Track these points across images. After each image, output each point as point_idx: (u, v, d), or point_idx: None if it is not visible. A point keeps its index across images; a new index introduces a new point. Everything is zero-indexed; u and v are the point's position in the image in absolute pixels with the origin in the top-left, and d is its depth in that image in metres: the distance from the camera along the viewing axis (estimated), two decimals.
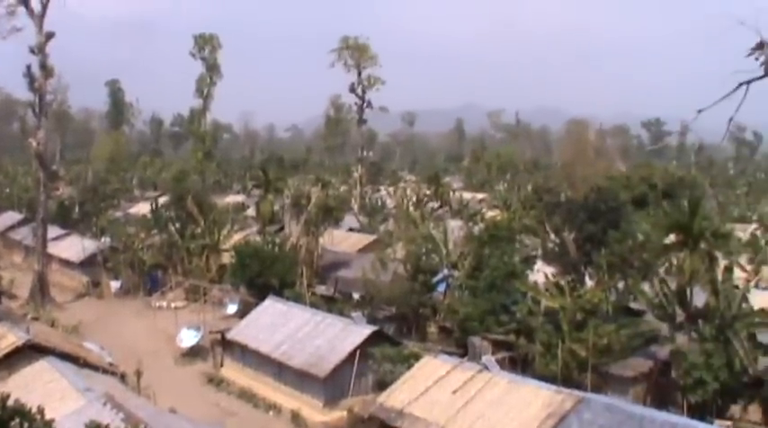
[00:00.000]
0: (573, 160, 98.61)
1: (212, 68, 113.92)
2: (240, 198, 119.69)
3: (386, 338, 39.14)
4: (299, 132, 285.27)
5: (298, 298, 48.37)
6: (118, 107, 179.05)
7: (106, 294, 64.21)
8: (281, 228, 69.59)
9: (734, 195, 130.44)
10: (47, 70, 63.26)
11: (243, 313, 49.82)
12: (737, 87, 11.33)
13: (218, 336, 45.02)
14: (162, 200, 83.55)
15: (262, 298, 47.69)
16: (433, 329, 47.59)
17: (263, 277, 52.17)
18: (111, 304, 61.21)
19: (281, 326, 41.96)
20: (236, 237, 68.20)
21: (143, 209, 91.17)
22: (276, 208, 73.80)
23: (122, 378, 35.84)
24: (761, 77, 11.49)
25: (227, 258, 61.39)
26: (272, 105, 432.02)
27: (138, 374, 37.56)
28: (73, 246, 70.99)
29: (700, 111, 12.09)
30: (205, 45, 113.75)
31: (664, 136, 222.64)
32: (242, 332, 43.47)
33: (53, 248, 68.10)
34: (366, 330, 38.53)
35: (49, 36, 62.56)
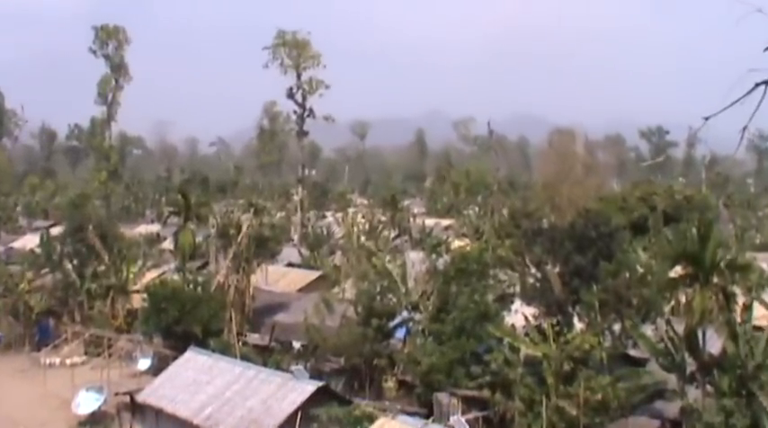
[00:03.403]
0: (557, 178, 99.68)
1: (118, 68, 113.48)
2: (155, 227, 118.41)
3: (333, 396, 38.83)
4: (226, 147, 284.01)
5: (225, 350, 47.82)
6: None
7: None
8: (205, 264, 68.87)
9: (755, 217, 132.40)
10: None
11: (157, 369, 49.15)
12: (754, 88, 11.42)
13: (127, 399, 44.30)
14: (55, 231, 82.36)
15: (181, 350, 47.09)
16: (390, 384, 47.32)
17: (183, 324, 51.61)
18: None
19: (204, 384, 41.45)
20: (150, 276, 67.45)
21: (30, 242, 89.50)
22: (199, 239, 73.15)
23: None
24: None
25: (137, 301, 60.69)
26: (194, 114, 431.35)
27: None
28: None
29: (707, 119, 12.12)
30: (109, 39, 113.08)
31: (667, 147, 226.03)
32: (156, 392, 42.85)
33: None
34: (309, 387, 38.22)
35: None
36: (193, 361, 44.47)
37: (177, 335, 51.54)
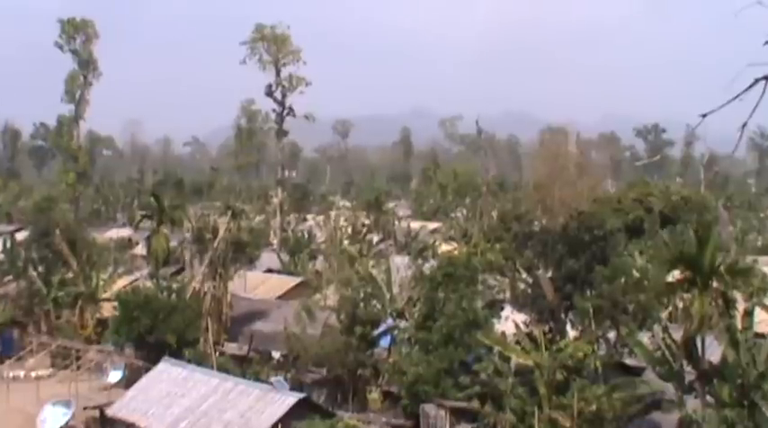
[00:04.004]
0: (549, 178, 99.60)
1: (86, 64, 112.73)
2: (126, 232, 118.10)
3: (315, 408, 38.86)
4: (201, 147, 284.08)
5: (201, 360, 47.76)
6: None
7: None
8: (180, 270, 68.76)
9: (756, 219, 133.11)
10: None
11: (129, 381, 48.96)
12: (753, 84, 11.44)
13: (96, 413, 44.16)
14: (20, 235, 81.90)
15: (154, 361, 46.99)
16: (375, 395, 47.42)
17: (156, 334, 51.44)
18: None
19: (179, 397, 41.35)
20: (121, 283, 67.34)
21: None
22: (173, 244, 73.04)
23: None
24: None
25: (108, 310, 60.43)
26: (167, 113, 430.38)
27: None
28: None
29: (704, 116, 12.16)
30: (76, 33, 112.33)
31: (663, 146, 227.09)
32: (128, 406, 42.72)
33: None
34: (289, 399, 38.19)
35: None
36: (167, 372, 44.34)
37: (150, 346, 51.37)
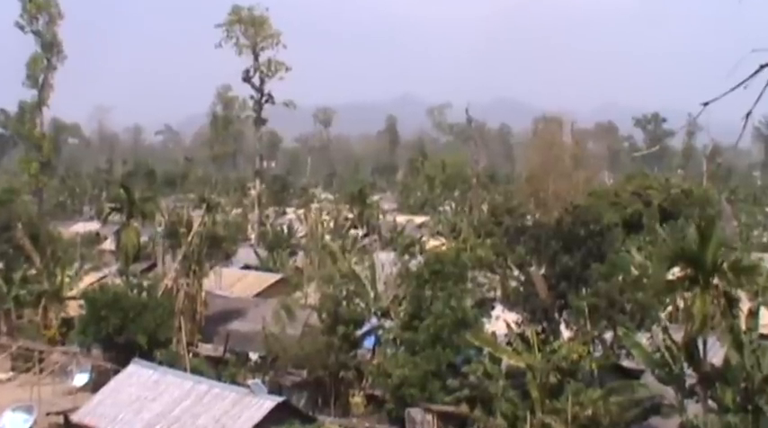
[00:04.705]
0: (542, 170, 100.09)
1: (50, 47, 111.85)
2: (94, 226, 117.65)
3: (295, 413, 38.84)
4: (174, 136, 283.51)
5: (174, 362, 47.72)
6: None
7: None
8: (151, 267, 68.65)
9: (761, 213, 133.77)
10: None
11: (97, 384, 48.72)
12: (759, 70, 11.47)
13: (60, 419, 43.98)
14: None
15: (123, 363, 46.79)
16: (358, 399, 47.46)
17: (126, 334, 51.29)
18: None
19: (150, 402, 41.24)
20: (88, 280, 67.06)
21: None
22: (144, 239, 72.92)
23: None
24: None
25: (74, 309, 60.26)
26: (138, 99, 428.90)
27: None
28: None
29: (706, 104, 12.18)
30: (38, 13, 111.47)
31: (664, 136, 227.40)
32: (94, 411, 42.56)
33: None
34: (268, 403, 38.16)
35: None
36: (137, 375, 44.20)
37: (119, 347, 51.23)
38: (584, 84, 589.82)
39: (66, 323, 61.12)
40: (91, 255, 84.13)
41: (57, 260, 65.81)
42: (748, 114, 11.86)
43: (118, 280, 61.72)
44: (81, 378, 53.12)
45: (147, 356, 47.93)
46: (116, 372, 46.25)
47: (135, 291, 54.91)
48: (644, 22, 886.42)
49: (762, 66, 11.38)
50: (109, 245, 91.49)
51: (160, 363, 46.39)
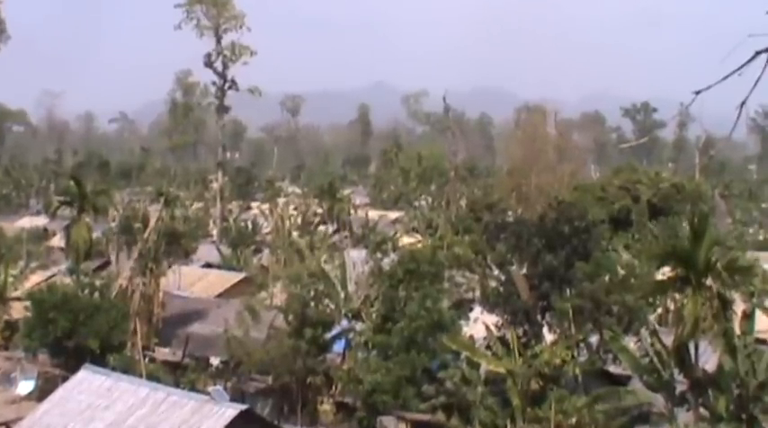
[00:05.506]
0: (525, 163, 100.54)
1: None
2: (41, 220, 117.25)
3: (259, 421, 38.85)
4: (129, 124, 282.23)
5: (128, 368, 47.49)
6: None
7: None
8: (105, 265, 68.30)
9: (758, 210, 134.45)
10: None
11: (43, 392, 48.61)
12: (754, 57, 11.49)
13: None
14: None
15: (73, 369, 46.43)
16: (327, 406, 47.58)
17: (76, 338, 51.05)
18: None
19: (102, 411, 41.05)
20: (35, 280, 66.75)
21: None
22: (97, 235, 72.63)
23: None
24: None
25: (18, 311, 59.67)
26: (90, 84, 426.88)
27: None
28: None
29: (698, 93, 12.19)
30: None
31: (654, 127, 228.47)
32: (40, 422, 42.29)
33: None
34: (230, 411, 38.05)
35: None
36: (88, 382, 43.96)
37: (68, 352, 51.06)
38: (570, 73, 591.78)
39: (10, 326, 60.79)
40: (38, 252, 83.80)
41: (0, 257, 65.36)
42: (743, 103, 11.85)
43: (67, 280, 61.32)
44: (25, 386, 53.06)
45: (99, 361, 47.66)
46: (65, 379, 45.92)
47: (86, 292, 54.65)
48: (633, 6, 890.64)
49: (757, 53, 11.38)
50: (58, 241, 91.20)
51: (113, 369, 46.11)
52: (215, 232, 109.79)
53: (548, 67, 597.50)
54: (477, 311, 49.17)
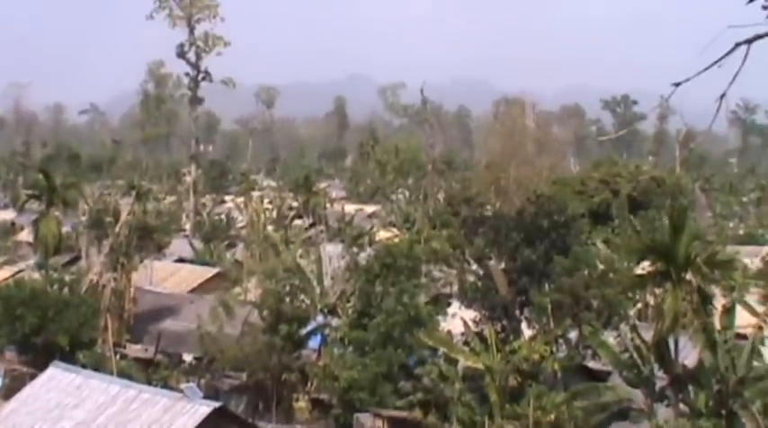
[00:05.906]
0: (503, 156, 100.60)
1: None
2: (9, 214, 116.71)
3: (233, 419, 38.79)
4: (100, 116, 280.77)
5: (99, 365, 47.36)
6: None
7: None
8: (75, 260, 68.05)
9: (738, 204, 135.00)
10: None
11: (10, 390, 48.16)
12: (734, 48, 11.53)
13: None
14: None
15: (41, 366, 46.31)
16: (302, 403, 47.61)
17: (45, 334, 50.89)
18: None
19: (71, 409, 40.88)
20: (2, 275, 66.74)
21: None
22: (66, 229, 72.29)
23: None
24: None
25: None
26: (59, 75, 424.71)
27: None
28: None
29: (678, 85, 12.21)
30: None
31: (634, 120, 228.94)
32: (7, 421, 42.03)
33: None
34: (203, 408, 37.94)
35: None
36: (57, 379, 43.77)
37: (36, 349, 50.92)
38: (549, 64, 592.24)
39: None
40: (5, 247, 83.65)
41: None
42: (723, 96, 11.86)
43: (36, 275, 61.21)
44: None
45: (69, 359, 47.46)
46: (33, 377, 45.72)
47: (55, 287, 54.48)
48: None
49: (737, 44, 11.42)
50: (26, 235, 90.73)
51: (83, 366, 45.96)
52: (188, 226, 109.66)
53: (527, 59, 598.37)
54: (454, 306, 49.28)
